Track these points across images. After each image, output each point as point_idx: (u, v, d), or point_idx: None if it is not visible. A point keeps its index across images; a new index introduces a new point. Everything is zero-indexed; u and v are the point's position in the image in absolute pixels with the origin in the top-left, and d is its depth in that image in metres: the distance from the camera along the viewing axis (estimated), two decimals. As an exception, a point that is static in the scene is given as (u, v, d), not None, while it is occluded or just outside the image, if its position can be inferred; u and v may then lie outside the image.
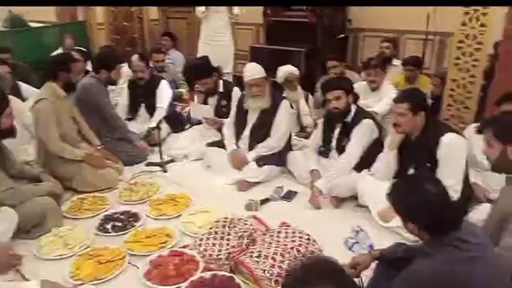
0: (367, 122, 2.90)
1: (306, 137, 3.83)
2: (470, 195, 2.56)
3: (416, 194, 1.42)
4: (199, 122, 3.94)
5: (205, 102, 3.83)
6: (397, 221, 2.34)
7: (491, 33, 2.94)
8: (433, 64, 4.72)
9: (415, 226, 1.48)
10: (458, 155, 2.40)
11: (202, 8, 4.86)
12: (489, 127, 1.79)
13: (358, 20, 5.17)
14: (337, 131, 3.04)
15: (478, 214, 2.32)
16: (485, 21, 2.90)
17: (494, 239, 1.70)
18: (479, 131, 1.93)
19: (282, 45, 4.98)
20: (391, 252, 1.86)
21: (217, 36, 4.96)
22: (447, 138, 2.39)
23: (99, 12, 6.14)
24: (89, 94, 3.42)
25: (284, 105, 3.26)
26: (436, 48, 4.66)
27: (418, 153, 2.53)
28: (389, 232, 2.50)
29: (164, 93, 4.01)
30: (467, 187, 2.53)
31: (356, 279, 1.90)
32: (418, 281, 1.37)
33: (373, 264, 1.89)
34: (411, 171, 2.61)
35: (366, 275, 1.89)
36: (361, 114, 2.96)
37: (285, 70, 3.99)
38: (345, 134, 2.97)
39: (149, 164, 3.53)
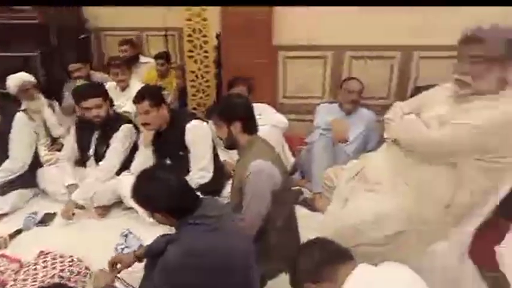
0: (127, 127, 2.85)
1: (59, 150, 3.47)
2: (222, 171, 2.87)
3: (153, 184, 1.47)
4: None
5: None
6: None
7: (213, 26, 3.30)
8: (178, 58, 4.99)
9: (161, 215, 1.53)
10: (203, 140, 2.61)
11: None
12: (214, 111, 2.02)
13: (98, 19, 4.96)
14: (94, 138, 2.87)
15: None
16: (206, 16, 3.23)
17: (238, 208, 1.94)
18: (208, 116, 2.14)
19: (11, 51, 4.31)
20: (154, 246, 1.90)
21: None
22: (191, 125, 2.57)
23: None
24: None
25: (18, 118, 2.82)
26: (177, 43, 4.95)
27: (170, 144, 2.64)
28: (161, 227, 2.54)
29: None
30: (219, 165, 2.82)
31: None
32: (168, 267, 1.43)
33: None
34: (169, 162, 2.72)
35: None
36: (120, 118, 2.90)
37: (16, 79, 3.48)
38: (104, 140, 2.84)
39: None
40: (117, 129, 2.82)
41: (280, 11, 3.23)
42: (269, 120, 2.77)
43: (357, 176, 1.97)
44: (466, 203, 1.73)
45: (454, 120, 1.66)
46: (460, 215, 1.77)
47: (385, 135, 2.00)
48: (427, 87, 2.08)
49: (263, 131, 2.26)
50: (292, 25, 3.28)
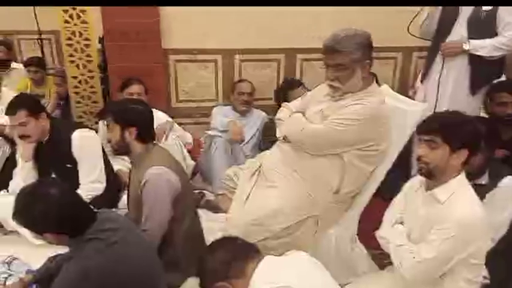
0: None
1: None
2: (117, 182, 2.71)
3: (38, 202, 1.33)
4: None
5: None
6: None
7: (94, 29, 3.10)
8: (56, 63, 4.58)
9: (52, 235, 1.39)
10: (92, 149, 2.44)
11: None
12: (109, 111, 1.93)
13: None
14: None
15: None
16: (85, 18, 3.01)
17: (137, 218, 1.86)
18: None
19: None
20: (46, 269, 1.72)
21: None
22: (77, 135, 2.38)
23: None
24: None
25: None
26: (55, 47, 4.54)
27: (54, 157, 2.42)
28: (52, 247, 2.29)
29: None
30: (112, 175, 2.66)
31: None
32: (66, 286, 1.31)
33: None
34: (54, 176, 2.49)
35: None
36: None
37: None
38: None
39: None
40: None
41: (168, 13, 3.17)
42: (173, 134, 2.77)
43: (255, 174, 2.03)
44: (351, 188, 1.93)
45: (332, 115, 1.86)
46: (347, 199, 1.97)
47: (277, 134, 2.13)
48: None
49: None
50: (181, 28, 3.23)
